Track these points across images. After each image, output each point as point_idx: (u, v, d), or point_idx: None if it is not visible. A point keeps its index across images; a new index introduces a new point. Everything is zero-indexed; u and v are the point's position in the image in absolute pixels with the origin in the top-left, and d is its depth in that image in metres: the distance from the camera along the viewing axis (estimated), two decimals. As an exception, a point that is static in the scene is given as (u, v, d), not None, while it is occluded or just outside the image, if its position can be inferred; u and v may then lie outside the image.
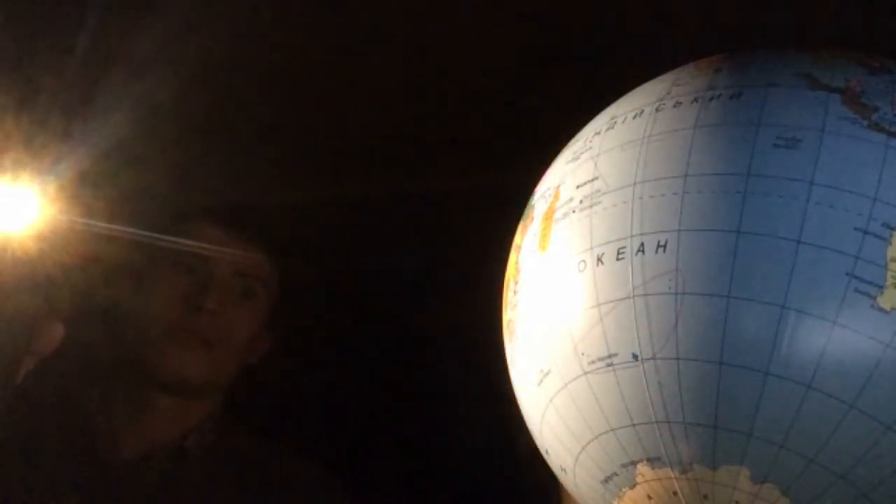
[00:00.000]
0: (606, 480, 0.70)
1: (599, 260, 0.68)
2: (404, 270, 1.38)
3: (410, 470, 1.36)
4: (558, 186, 0.74)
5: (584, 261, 0.69)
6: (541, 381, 0.72)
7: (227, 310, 1.21)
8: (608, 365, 0.67)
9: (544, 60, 1.03)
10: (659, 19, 0.95)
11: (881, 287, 0.62)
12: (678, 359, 0.64)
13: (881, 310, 0.62)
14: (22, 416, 1.18)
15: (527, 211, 0.78)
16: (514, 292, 0.76)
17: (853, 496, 0.64)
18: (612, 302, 0.67)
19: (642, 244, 0.66)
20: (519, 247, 0.77)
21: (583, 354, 0.68)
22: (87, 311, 1.16)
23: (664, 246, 0.65)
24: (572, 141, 0.78)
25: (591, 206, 0.70)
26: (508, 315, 0.77)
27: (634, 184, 0.68)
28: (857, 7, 0.89)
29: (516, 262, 0.76)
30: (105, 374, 1.23)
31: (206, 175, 1.17)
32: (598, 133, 0.74)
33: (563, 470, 0.75)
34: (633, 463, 0.68)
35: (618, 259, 0.67)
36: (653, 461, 0.67)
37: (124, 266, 1.19)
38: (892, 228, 0.63)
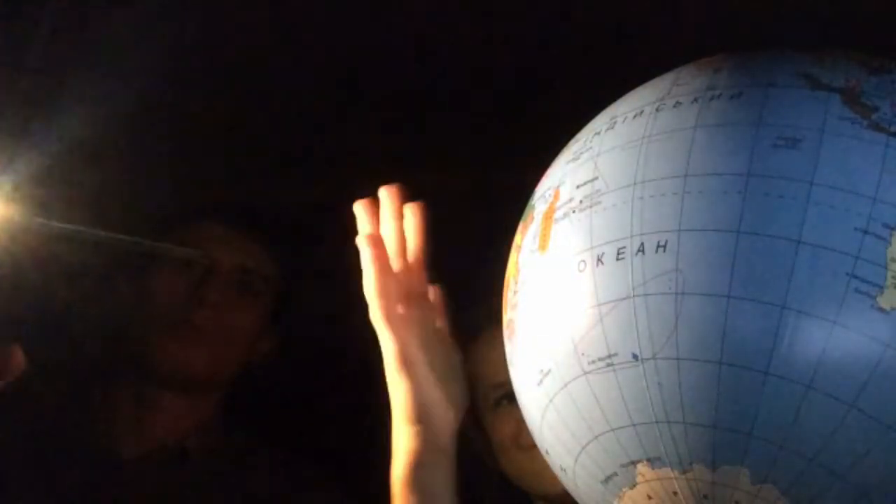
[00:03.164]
0: (606, 480, 0.70)
1: (599, 260, 0.68)
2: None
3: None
4: (558, 186, 0.74)
5: (584, 261, 0.69)
6: (541, 381, 0.72)
7: (228, 303, 1.21)
8: (608, 365, 0.67)
9: (544, 60, 1.03)
10: (659, 19, 0.95)
11: (881, 287, 0.62)
12: (678, 359, 0.64)
13: (881, 310, 0.62)
14: (24, 416, 1.18)
15: (527, 211, 0.78)
16: (514, 292, 0.76)
17: (853, 496, 0.64)
18: (612, 302, 0.67)
19: (642, 244, 0.66)
20: (519, 247, 0.77)
21: (583, 354, 0.68)
22: (84, 308, 1.16)
23: (664, 246, 0.65)
24: (572, 141, 0.78)
25: (591, 206, 0.70)
26: (508, 315, 0.77)
27: (634, 184, 0.68)
28: (858, 8, 0.89)
29: (516, 262, 0.76)
30: (107, 370, 1.23)
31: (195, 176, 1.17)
32: (598, 133, 0.74)
33: (563, 470, 0.75)
34: (633, 463, 0.68)
35: (618, 259, 0.67)
36: (653, 461, 0.67)
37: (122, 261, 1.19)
38: (892, 228, 0.63)
